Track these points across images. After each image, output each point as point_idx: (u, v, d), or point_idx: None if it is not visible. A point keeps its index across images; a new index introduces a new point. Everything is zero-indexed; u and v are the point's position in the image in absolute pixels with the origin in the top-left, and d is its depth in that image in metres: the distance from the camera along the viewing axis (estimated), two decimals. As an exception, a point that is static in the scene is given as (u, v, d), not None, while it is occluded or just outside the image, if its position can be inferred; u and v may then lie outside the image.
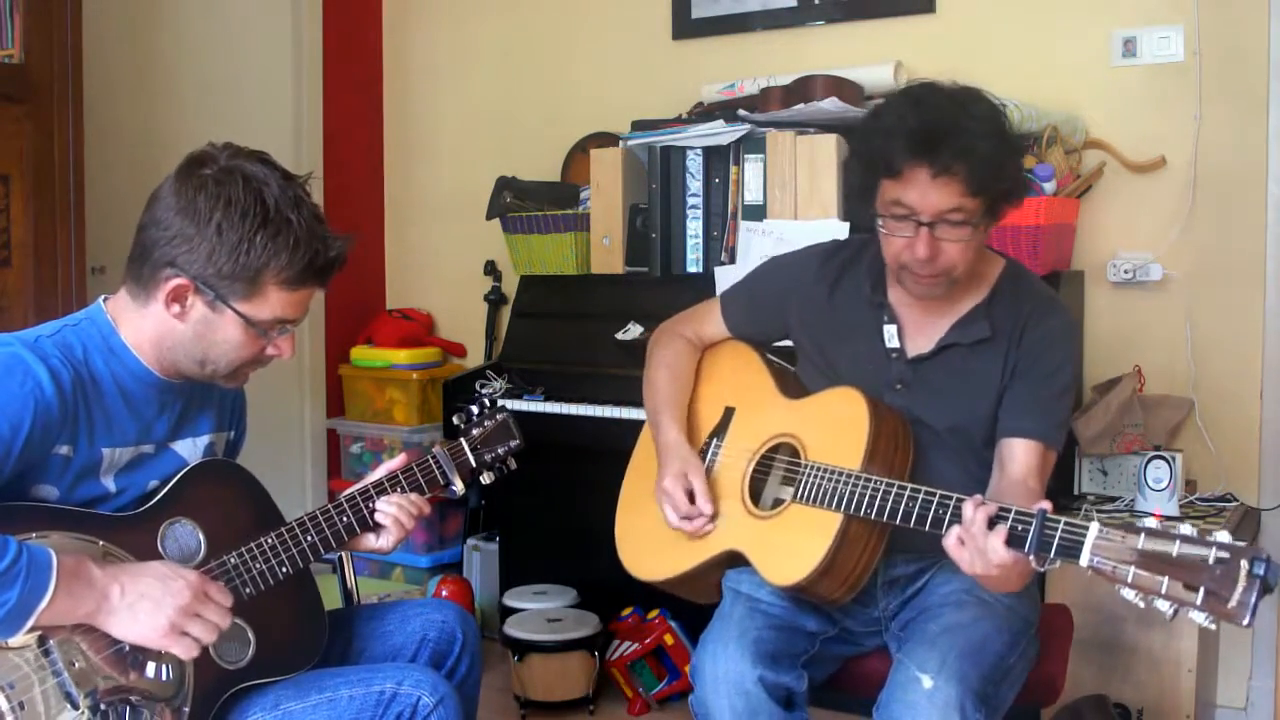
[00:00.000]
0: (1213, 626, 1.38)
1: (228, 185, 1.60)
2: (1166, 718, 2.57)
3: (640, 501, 2.16)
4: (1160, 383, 2.90)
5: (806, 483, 1.85)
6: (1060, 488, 2.84)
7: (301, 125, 3.86)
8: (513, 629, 3.06)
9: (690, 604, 2.11)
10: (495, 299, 3.87)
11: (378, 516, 1.81)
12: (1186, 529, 1.42)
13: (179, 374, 1.70)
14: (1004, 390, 1.87)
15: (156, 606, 1.53)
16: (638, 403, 2.92)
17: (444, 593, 3.34)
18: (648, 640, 3.04)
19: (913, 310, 1.93)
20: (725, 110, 3.17)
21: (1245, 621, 1.36)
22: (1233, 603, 1.35)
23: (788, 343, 2.12)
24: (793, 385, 2.05)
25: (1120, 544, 1.46)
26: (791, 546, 1.84)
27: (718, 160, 3.11)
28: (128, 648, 1.56)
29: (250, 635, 1.68)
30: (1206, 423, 2.86)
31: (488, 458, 1.93)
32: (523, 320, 3.45)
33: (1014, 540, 1.58)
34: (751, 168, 3.04)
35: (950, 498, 1.67)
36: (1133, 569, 1.43)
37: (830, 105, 2.87)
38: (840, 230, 2.84)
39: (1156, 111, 2.91)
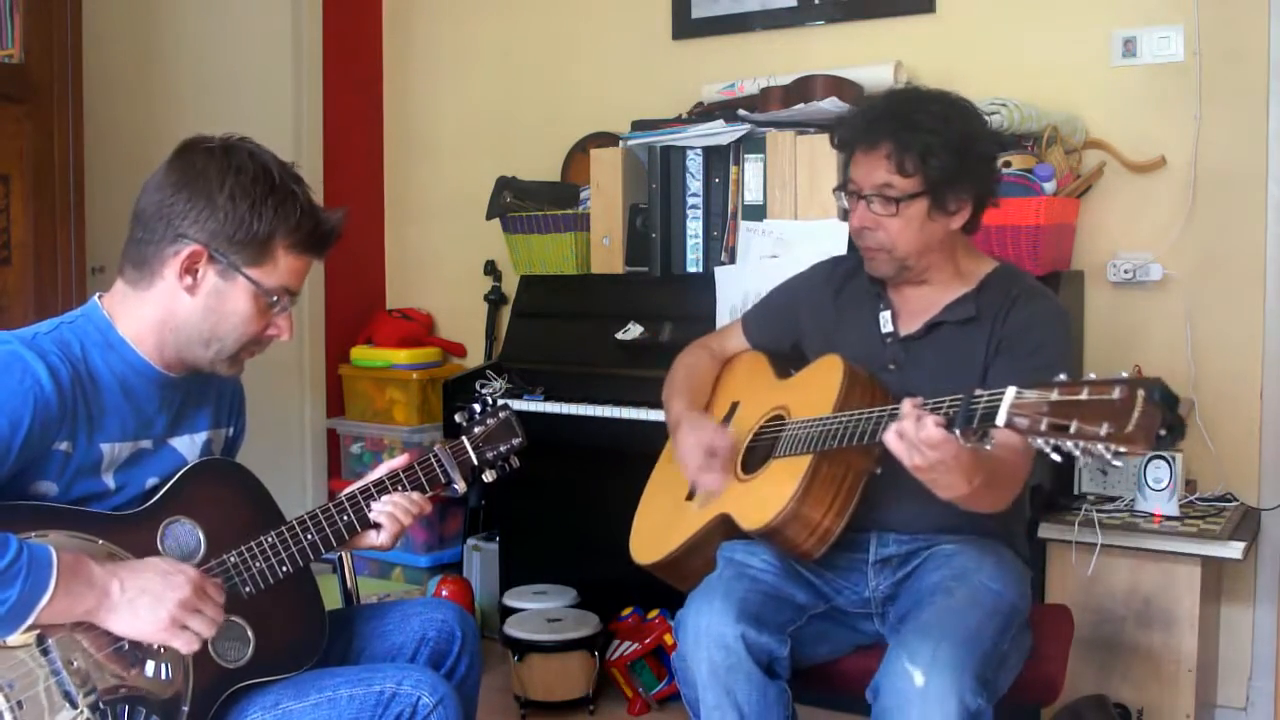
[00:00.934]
0: (1118, 464, 1.42)
1: (234, 156, 1.65)
2: (1166, 718, 2.57)
3: (654, 494, 2.29)
4: (1160, 383, 2.90)
5: (785, 439, 1.95)
6: (1060, 488, 2.84)
7: (301, 125, 3.86)
8: (513, 629, 3.06)
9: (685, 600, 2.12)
10: (495, 299, 3.87)
11: (374, 515, 1.81)
12: (1092, 376, 1.46)
13: (181, 362, 1.70)
14: (988, 367, 1.96)
15: (157, 601, 1.53)
16: (638, 403, 2.95)
17: (444, 593, 3.34)
18: (648, 640, 3.04)
19: (907, 299, 2.06)
20: (725, 110, 3.17)
21: (1142, 446, 1.39)
22: (1130, 427, 1.38)
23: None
24: (790, 372, 2.17)
25: (1036, 400, 1.49)
26: (766, 494, 1.92)
27: (718, 160, 3.11)
28: (127, 646, 1.56)
29: (250, 634, 1.68)
30: (1206, 423, 2.86)
31: (490, 455, 1.93)
32: (523, 320, 3.45)
33: (948, 421, 1.63)
34: (751, 168, 3.04)
35: (897, 408, 1.72)
36: (1045, 419, 1.47)
37: (830, 105, 2.88)
38: (840, 230, 2.84)
39: (1156, 111, 2.91)
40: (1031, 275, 2.12)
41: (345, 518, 1.80)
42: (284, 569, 1.72)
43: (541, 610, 3.18)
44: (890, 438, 1.68)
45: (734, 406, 2.20)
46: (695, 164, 3.13)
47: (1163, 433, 1.37)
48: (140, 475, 1.69)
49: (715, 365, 2.34)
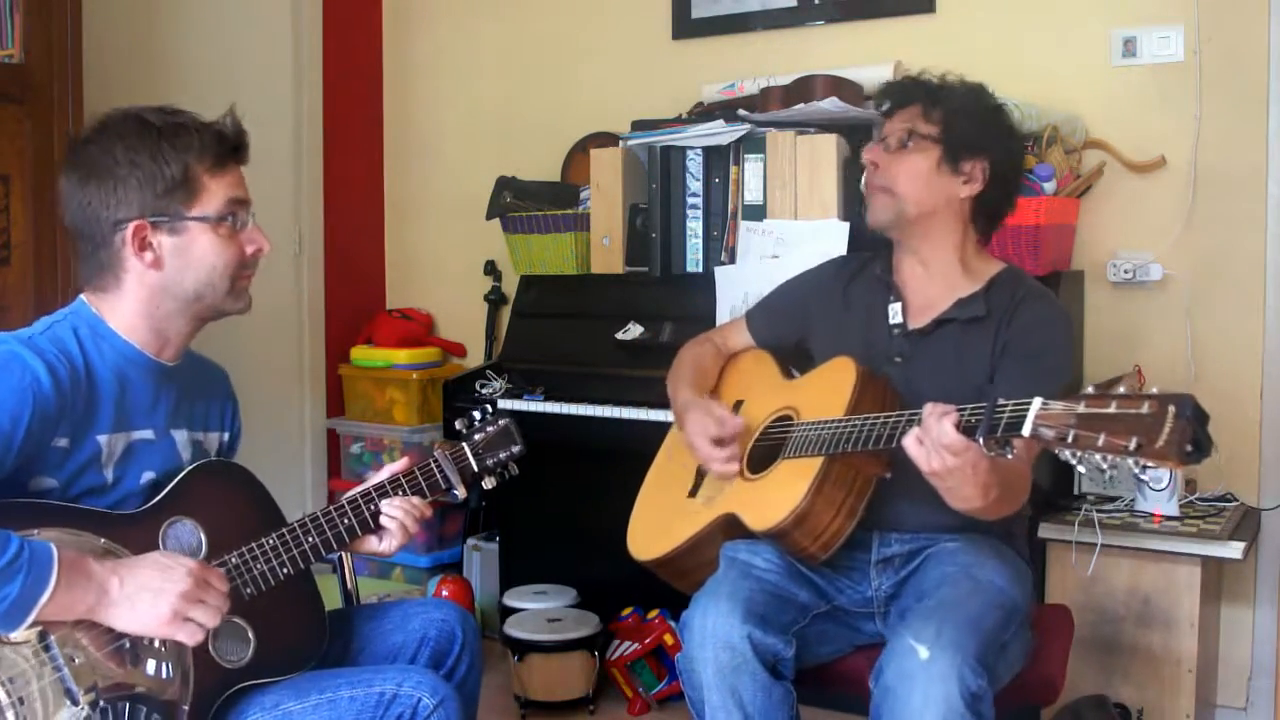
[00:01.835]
0: (1144, 477, 1.42)
1: (109, 129, 1.67)
2: (1166, 718, 2.57)
3: (654, 487, 2.27)
4: (1160, 383, 2.85)
5: (794, 440, 1.95)
6: (1060, 488, 2.84)
7: (301, 125, 3.86)
8: (513, 629, 3.06)
9: (690, 601, 2.12)
10: (495, 299, 3.87)
11: (383, 519, 1.82)
12: (1124, 389, 1.46)
13: (182, 333, 1.72)
14: (994, 368, 1.97)
15: (157, 595, 1.53)
16: (638, 402, 2.95)
17: (444, 593, 3.35)
18: (648, 640, 3.04)
19: (916, 291, 2.08)
20: (725, 110, 3.17)
21: (1175, 463, 1.39)
22: (1160, 443, 1.38)
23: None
24: (796, 373, 2.17)
25: (1062, 412, 1.50)
26: (775, 495, 1.91)
27: (718, 160, 3.11)
28: (129, 644, 1.56)
29: (250, 635, 1.68)
30: (1206, 423, 2.86)
31: (489, 462, 1.94)
32: (523, 320, 3.45)
33: (967, 431, 1.62)
34: (751, 168, 3.04)
35: (917, 413, 1.72)
36: (1072, 431, 1.47)
37: (830, 105, 2.87)
38: (840, 230, 2.84)
39: (1156, 111, 2.91)
40: (1036, 279, 2.14)
41: (346, 521, 1.80)
42: (285, 571, 1.72)
43: (541, 610, 3.18)
44: (909, 441, 1.68)
45: (738, 405, 2.19)
46: (695, 164, 3.13)
47: (1189, 449, 1.37)
48: (137, 469, 1.69)
49: (719, 358, 2.33)
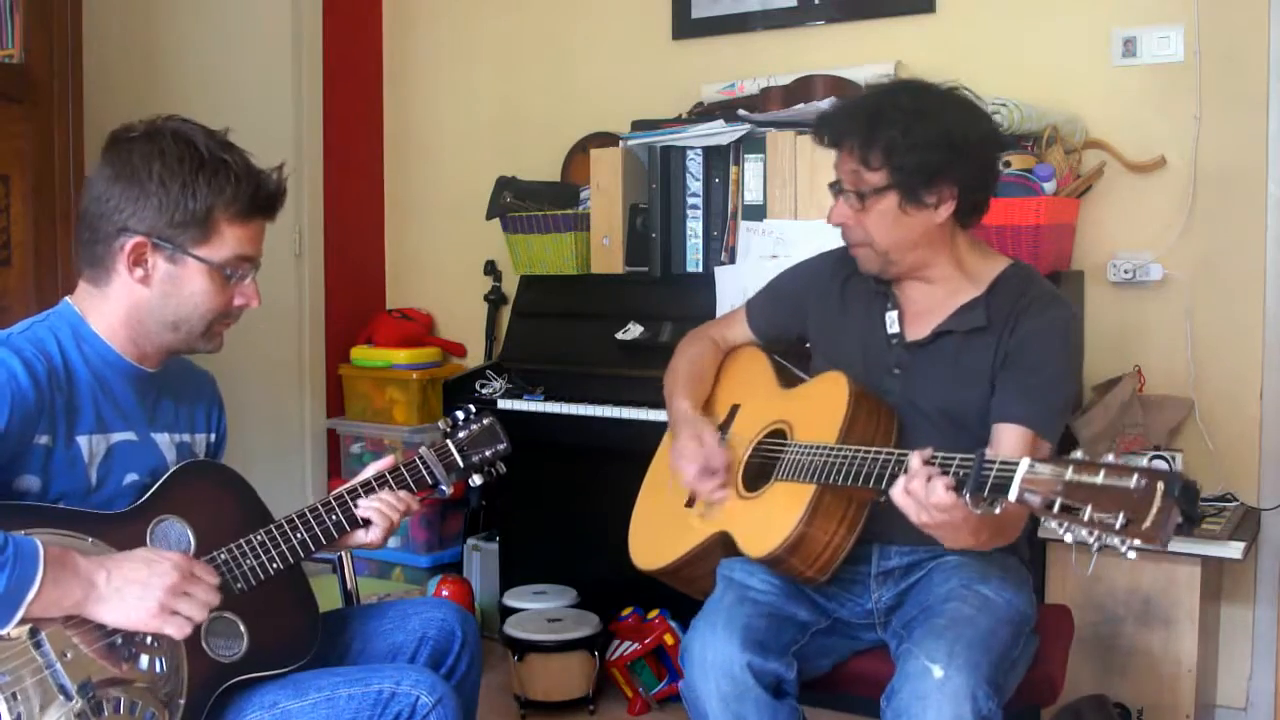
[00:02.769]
0: (1132, 555, 1.38)
1: (157, 141, 1.66)
2: (1166, 718, 2.57)
3: (651, 492, 2.25)
4: (1160, 383, 2.90)
5: (787, 461, 1.91)
6: (1060, 488, 2.84)
7: (301, 125, 3.86)
8: (513, 629, 3.06)
9: (691, 602, 2.12)
10: (495, 299, 3.87)
11: (361, 512, 1.83)
12: (1111, 458, 1.43)
13: (156, 352, 1.72)
14: (995, 379, 1.91)
15: (144, 589, 1.54)
16: (638, 402, 2.95)
17: (444, 593, 3.34)
18: (648, 640, 3.04)
19: (914, 299, 2.00)
20: (725, 110, 3.17)
21: (1162, 543, 1.36)
22: (1147, 523, 1.35)
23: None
24: (793, 378, 2.13)
25: (1049, 477, 1.47)
26: (769, 520, 1.89)
27: (718, 160, 3.11)
28: (120, 640, 1.56)
29: (243, 629, 1.68)
30: (1206, 423, 2.86)
31: (475, 459, 1.96)
32: (523, 320, 3.45)
33: (958, 484, 1.60)
34: (751, 168, 3.04)
35: (906, 454, 1.69)
36: (1059, 499, 1.43)
37: (830, 105, 2.87)
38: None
39: (1156, 111, 2.91)
40: (1043, 277, 2.03)
41: (334, 516, 1.81)
42: (275, 566, 1.72)
43: (541, 610, 3.18)
44: (897, 492, 1.65)
45: (734, 409, 2.16)
46: (695, 164, 3.12)
47: (1180, 521, 1.36)
48: (120, 470, 1.69)
49: (718, 355, 2.28)
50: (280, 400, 3.83)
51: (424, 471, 1.91)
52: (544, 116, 3.79)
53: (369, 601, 2.28)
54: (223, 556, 1.68)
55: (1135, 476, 1.38)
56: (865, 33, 3.26)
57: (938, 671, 1.69)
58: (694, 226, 3.14)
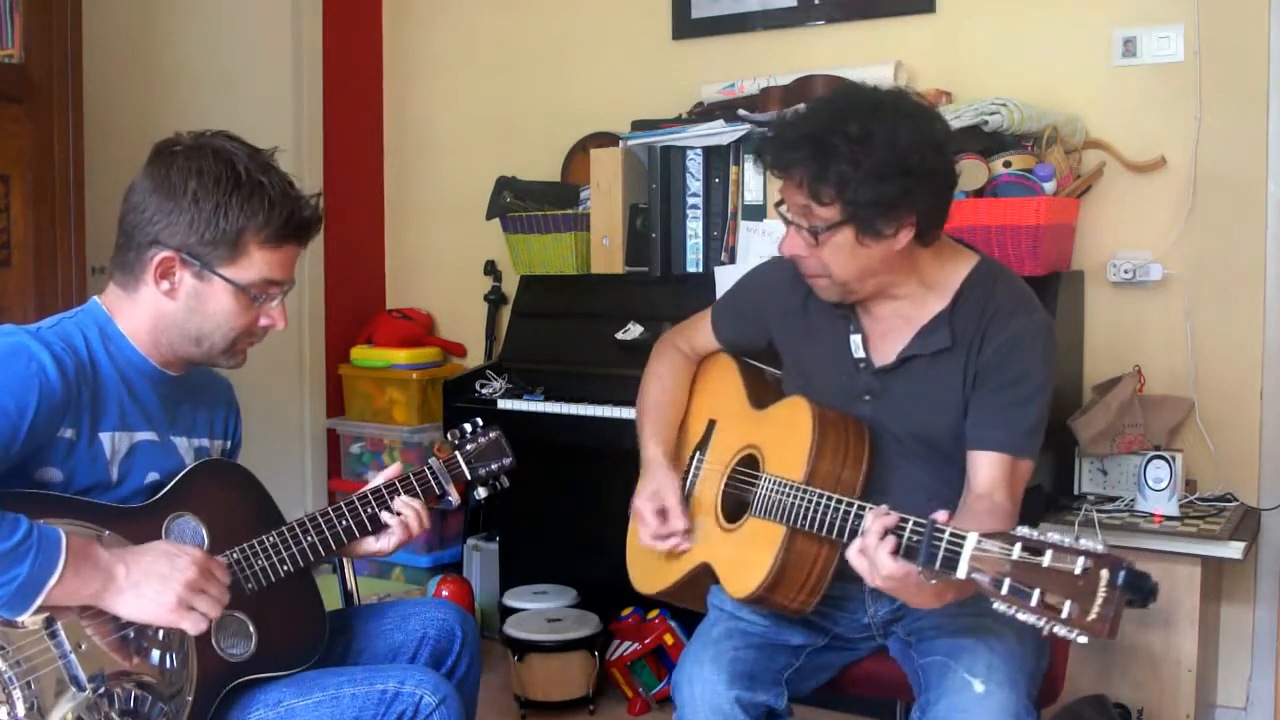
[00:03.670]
0: (1083, 640, 1.33)
1: (198, 158, 1.66)
2: (1166, 718, 2.57)
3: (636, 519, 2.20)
4: (1160, 383, 2.90)
5: (760, 495, 1.87)
6: (1060, 488, 2.84)
7: (301, 125, 3.86)
8: (513, 629, 3.06)
9: (679, 660, 2.12)
10: (495, 299, 3.87)
11: (385, 516, 1.84)
12: (1056, 537, 1.37)
13: (178, 360, 1.73)
14: (967, 400, 1.83)
15: (163, 583, 1.55)
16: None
17: (444, 592, 3.35)
18: (648, 640, 3.04)
19: (876, 320, 1.90)
20: (725, 110, 3.17)
21: (1106, 635, 1.31)
22: (1092, 615, 1.31)
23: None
24: (765, 394, 2.04)
25: (997, 554, 1.41)
26: (746, 559, 1.86)
27: (718, 160, 3.11)
28: (132, 634, 1.57)
29: (251, 629, 1.69)
30: (1206, 423, 2.86)
31: (482, 472, 1.97)
32: (523, 320, 3.45)
33: (909, 552, 1.54)
34: (751, 168, 3.04)
35: (865, 509, 1.64)
36: (1008, 580, 1.38)
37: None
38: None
39: (1156, 111, 2.91)
40: (1013, 277, 1.91)
41: (344, 522, 1.82)
42: (285, 568, 1.73)
43: (541, 610, 3.18)
44: (852, 554, 1.60)
45: (711, 426, 2.10)
46: (695, 164, 3.13)
47: (1132, 602, 1.32)
48: (141, 468, 1.70)
49: (689, 368, 2.18)
50: (280, 400, 3.82)
51: (432, 482, 1.92)
52: (544, 116, 3.79)
53: (369, 601, 2.28)
54: (235, 555, 1.69)
55: (1081, 561, 1.33)
56: (865, 33, 3.26)
57: (979, 686, 1.68)
58: (694, 226, 3.14)
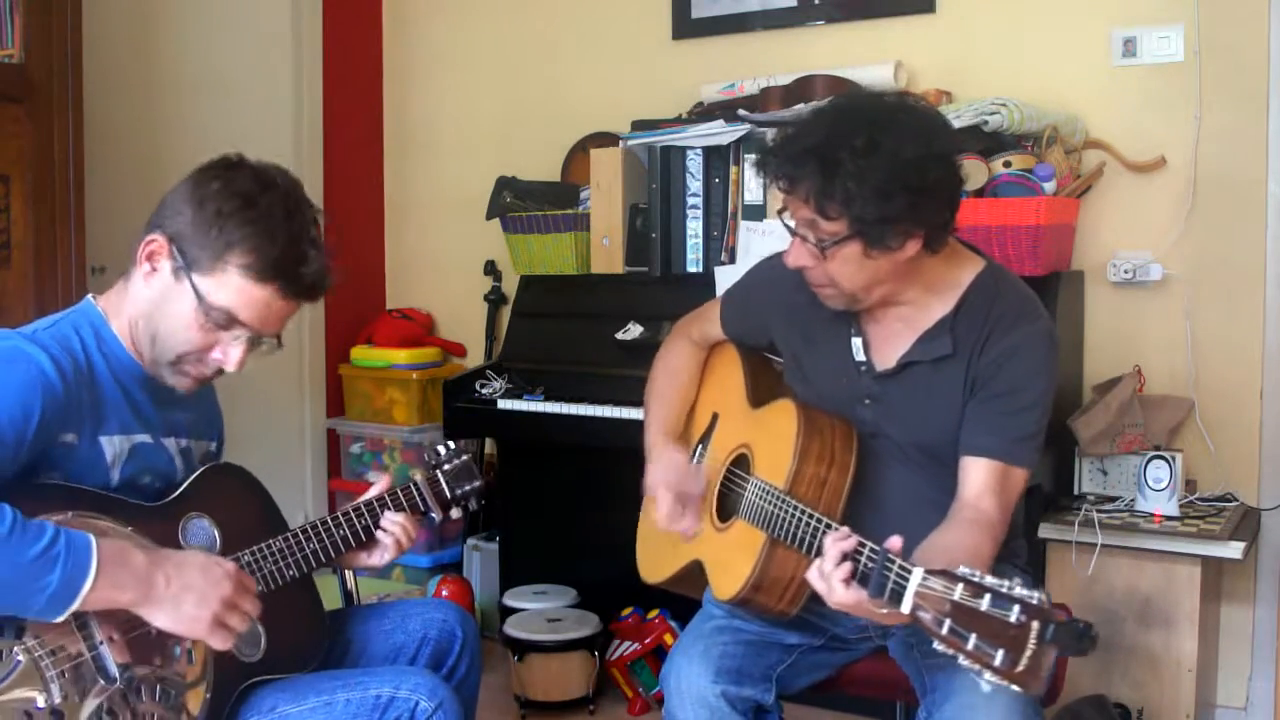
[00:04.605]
0: (1016, 688, 1.31)
1: (239, 174, 1.65)
2: (1166, 718, 2.57)
3: (649, 506, 2.21)
4: (1160, 383, 2.90)
5: (747, 499, 1.87)
6: (1060, 488, 2.84)
7: (301, 125, 3.86)
8: (513, 629, 3.06)
9: (692, 603, 2.12)
10: (495, 299, 3.87)
11: (379, 533, 1.85)
12: (992, 580, 1.35)
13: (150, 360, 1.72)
14: (965, 406, 1.82)
15: (202, 599, 1.55)
16: (638, 403, 2.91)
17: (444, 592, 3.35)
18: (648, 640, 3.04)
19: (879, 324, 1.89)
20: (725, 110, 3.17)
21: (1034, 689, 1.30)
22: (1021, 666, 1.29)
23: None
24: (764, 392, 2.04)
25: (940, 593, 1.39)
26: (730, 561, 1.86)
27: (718, 160, 3.11)
28: (154, 632, 1.57)
29: (261, 631, 1.70)
30: (1206, 423, 2.86)
31: (458, 493, 1.98)
32: (523, 320, 3.45)
33: (863, 579, 1.53)
34: (751, 168, 3.04)
35: (832, 528, 1.63)
36: (948, 621, 1.36)
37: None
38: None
39: (1156, 111, 2.91)
40: (1018, 284, 1.89)
41: (341, 531, 1.82)
42: (291, 573, 1.74)
43: (541, 610, 3.18)
44: (812, 575, 1.59)
45: (714, 419, 2.11)
46: (695, 164, 3.13)
47: (1068, 653, 1.31)
48: (139, 470, 1.70)
49: (699, 358, 2.20)
50: (280, 400, 3.82)
51: (418, 497, 1.92)
52: (544, 116, 3.79)
53: (369, 601, 2.28)
54: (246, 559, 1.70)
55: (1016, 610, 1.31)
56: (865, 33, 3.26)
57: (986, 686, 1.68)
58: (694, 226, 3.14)
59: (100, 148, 3.04)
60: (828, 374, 1.93)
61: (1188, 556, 2.53)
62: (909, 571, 1.44)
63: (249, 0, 3.72)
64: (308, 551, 1.77)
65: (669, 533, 2.06)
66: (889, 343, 1.88)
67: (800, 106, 2.93)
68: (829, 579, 1.56)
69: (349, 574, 2.17)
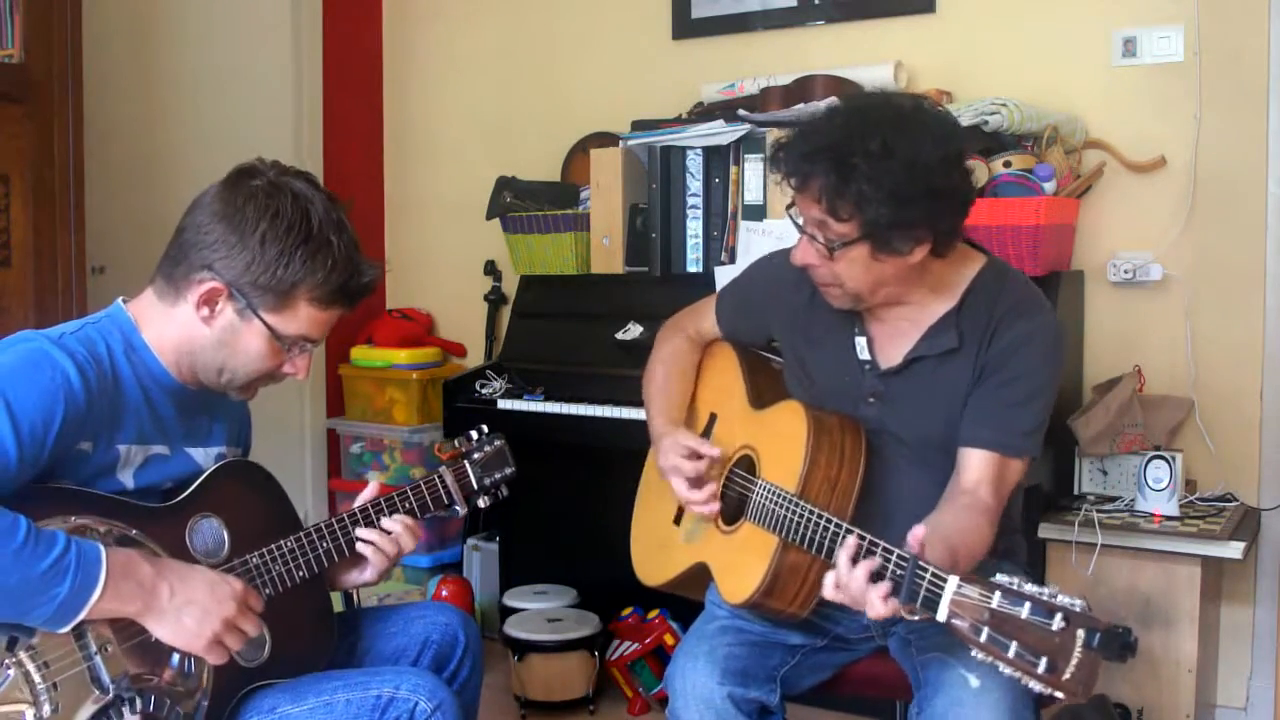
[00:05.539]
0: (1062, 695, 1.30)
1: (276, 198, 1.63)
2: (1166, 718, 2.57)
3: (642, 505, 2.22)
4: (1160, 383, 2.90)
5: (756, 502, 1.86)
6: (1060, 488, 2.84)
7: (301, 125, 3.86)
8: (513, 629, 3.06)
9: (692, 604, 2.12)
10: (495, 299, 3.88)
11: (359, 546, 1.81)
12: (1031, 588, 1.35)
13: (196, 381, 1.72)
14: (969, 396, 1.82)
15: (204, 615, 1.56)
16: (638, 402, 2.92)
17: (444, 592, 3.35)
18: (648, 640, 3.04)
19: (883, 323, 1.89)
20: (725, 110, 3.17)
21: (1080, 697, 1.30)
22: (1067, 675, 1.29)
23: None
24: (766, 392, 2.04)
25: (976, 601, 1.39)
26: (741, 565, 1.85)
27: (718, 160, 3.11)
28: (153, 639, 1.57)
29: (266, 635, 1.69)
30: (1206, 423, 2.86)
31: (487, 482, 1.97)
32: (523, 320, 3.45)
33: (894, 589, 1.52)
34: (751, 168, 3.04)
35: (851, 532, 1.62)
36: (986, 630, 1.36)
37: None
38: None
39: (1156, 111, 2.91)
40: (1021, 278, 1.90)
41: (355, 530, 1.81)
42: (300, 574, 1.74)
43: (541, 610, 3.18)
44: (828, 589, 1.58)
45: (712, 420, 2.10)
46: (695, 164, 3.13)
47: (1108, 657, 1.30)
48: (156, 477, 1.70)
49: (695, 352, 2.18)
50: (280, 400, 3.82)
51: (442, 491, 1.91)
52: (544, 116, 3.79)
53: (370, 603, 2.28)
54: (255, 560, 1.69)
55: (1058, 618, 1.31)
56: (865, 33, 3.26)
57: (974, 681, 1.68)
58: (694, 226, 3.14)
59: (100, 148, 3.04)
60: (831, 373, 1.93)
61: (1188, 556, 2.53)
62: (943, 580, 1.44)
63: (249, 0, 3.72)
64: (320, 552, 1.76)
65: (668, 532, 2.06)
66: (893, 341, 1.88)
67: (800, 106, 2.93)
68: (868, 595, 1.53)
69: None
